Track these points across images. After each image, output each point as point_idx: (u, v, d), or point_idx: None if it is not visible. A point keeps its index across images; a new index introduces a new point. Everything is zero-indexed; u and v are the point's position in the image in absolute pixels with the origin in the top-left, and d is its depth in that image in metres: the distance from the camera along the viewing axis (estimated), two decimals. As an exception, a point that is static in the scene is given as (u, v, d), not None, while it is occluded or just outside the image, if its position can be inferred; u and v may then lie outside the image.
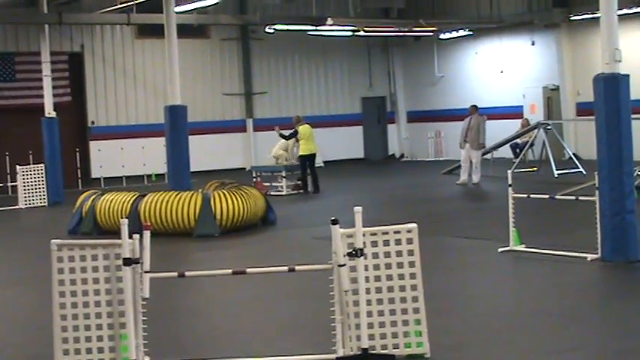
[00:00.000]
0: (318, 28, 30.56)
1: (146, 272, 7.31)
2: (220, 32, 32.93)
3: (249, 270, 7.97)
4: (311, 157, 23.34)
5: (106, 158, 29.54)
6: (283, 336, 8.71)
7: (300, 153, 23.49)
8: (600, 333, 8.38)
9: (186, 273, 7.93)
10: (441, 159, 33.70)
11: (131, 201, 16.44)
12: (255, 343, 8.42)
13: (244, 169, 31.47)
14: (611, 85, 11.51)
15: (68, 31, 29.57)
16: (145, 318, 7.44)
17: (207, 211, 15.94)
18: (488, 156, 28.05)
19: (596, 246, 11.65)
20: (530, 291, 10.48)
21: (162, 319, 9.18)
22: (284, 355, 7.68)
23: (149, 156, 28.87)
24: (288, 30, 30.70)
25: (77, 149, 28.88)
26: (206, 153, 30.33)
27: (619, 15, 11.93)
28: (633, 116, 11.73)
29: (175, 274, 7.82)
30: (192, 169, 20.02)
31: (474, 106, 24.49)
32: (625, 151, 11.49)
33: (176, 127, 19.25)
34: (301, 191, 23.30)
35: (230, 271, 7.93)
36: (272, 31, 30.62)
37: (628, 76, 11.59)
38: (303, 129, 23.44)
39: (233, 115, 33.50)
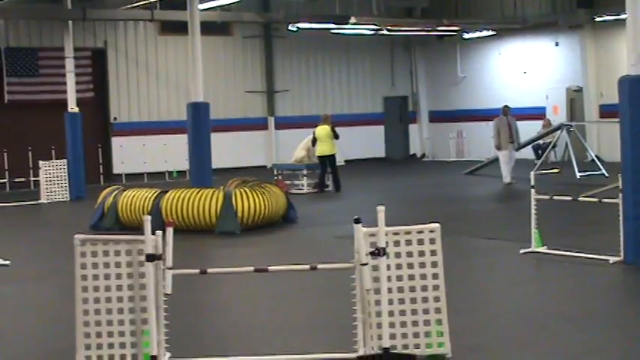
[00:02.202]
0: (341, 26, 30.55)
1: (168, 269, 7.32)
2: (243, 30, 32.97)
3: (270, 268, 7.98)
4: (326, 158, 23.18)
5: (128, 154, 29.65)
6: (304, 334, 8.72)
7: (317, 154, 23.47)
8: (621, 336, 8.33)
9: (208, 270, 7.95)
10: (463, 159, 33.62)
11: (153, 197, 16.49)
12: (275, 340, 8.43)
13: (265, 166, 31.50)
14: (637, 87, 11.45)
15: (92, 26, 29.67)
16: (166, 314, 7.46)
17: (229, 209, 15.95)
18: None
19: (619, 249, 11.59)
20: (551, 293, 10.44)
21: (184, 316, 9.20)
22: (304, 354, 7.68)
23: (171, 153, 28.94)
24: (310, 28, 30.69)
25: (99, 145, 29.02)
26: (228, 150, 30.38)
27: (645, 16, 11.86)
28: (658, 119, 11.66)
29: (197, 270, 7.84)
30: (214, 166, 20.06)
31: (508, 107, 24.40)
32: (649, 153, 11.43)
33: (198, 124, 19.30)
34: (316, 190, 23.21)
35: (252, 268, 7.93)
36: (295, 29, 30.61)
37: (653, 78, 11.53)
38: (318, 130, 23.35)
39: (255, 112, 33.54)
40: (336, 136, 23.20)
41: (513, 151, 23.87)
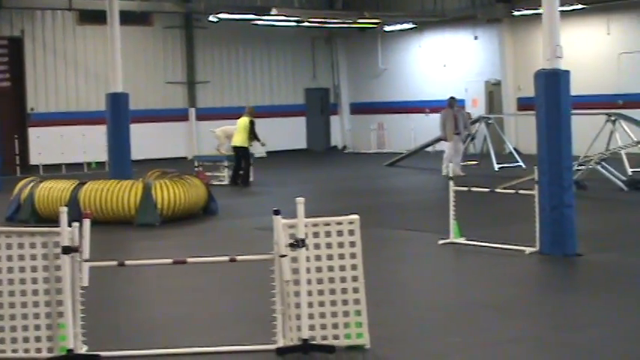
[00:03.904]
0: (263, 17, 30.51)
1: (85, 261, 7.24)
2: (164, 20, 32.68)
3: (189, 260, 7.94)
4: (239, 149, 23.00)
5: (46, 145, 29.16)
6: (223, 326, 8.68)
7: (232, 144, 23.31)
8: (538, 325, 8.48)
9: (126, 262, 7.88)
10: (384, 151, 33.82)
11: (71, 189, 16.25)
12: (194, 333, 8.38)
13: (186, 158, 31.29)
14: (552, 80, 11.64)
15: (8, 15, 29.13)
16: (83, 307, 7.37)
17: (148, 200, 15.83)
18: (430, 149, 28.28)
19: (535, 239, 11.78)
20: (468, 283, 10.58)
21: (102, 309, 9.09)
22: (224, 346, 7.66)
23: (90, 144, 28.51)
24: (232, 19, 30.59)
25: (16, 136, 28.49)
26: (148, 141, 30.08)
27: (560, 11, 12.07)
28: (573, 112, 11.87)
29: (115, 262, 7.77)
30: (134, 157, 19.87)
31: (454, 98, 24.44)
32: (564, 146, 11.63)
33: (117, 115, 19.11)
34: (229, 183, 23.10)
35: (170, 260, 7.89)
36: (216, 19, 30.47)
37: (568, 72, 11.73)
38: (239, 121, 23.15)
39: (175, 103, 33.30)
40: (253, 133, 22.94)
41: (459, 142, 23.96)
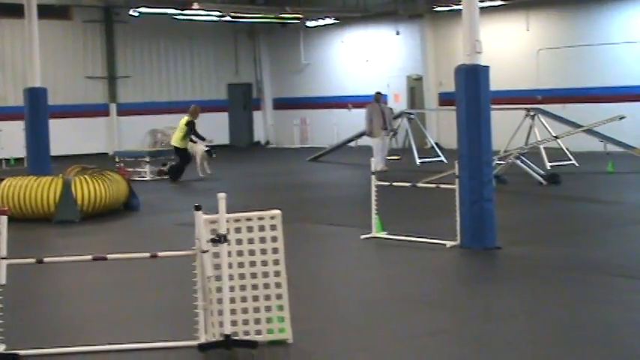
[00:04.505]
0: (184, 12, 30.30)
1: (2, 258, 7.11)
2: (83, 14, 32.27)
3: (110, 256, 7.84)
4: (175, 147, 22.90)
5: (-38, 141, 28.59)
6: (145, 323, 8.61)
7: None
8: (458, 318, 8.57)
9: (45, 259, 7.76)
10: (307, 146, 33.90)
11: (-12, 185, 15.96)
12: (115, 330, 8.29)
13: (107, 154, 30.94)
14: (472, 76, 11.77)
15: None
16: (1, 306, 7.25)
17: (68, 197, 15.61)
18: (352, 144, 28.40)
19: (456, 233, 11.91)
20: (390, 277, 10.64)
21: (20, 307, 8.94)
22: (146, 342, 7.59)
23: (8, 140, 28.03)
24: (152, 13, 30.30)
25: None
26: (67, 137, 29.70)
27: (480, 7, 12.21)
28: (493, 107, 12.02)
29: (33, 260, 7.65)
30: (53, 153, 19.61)
31: (380, 93, 24.47)
32: (484, 140, 11.77)
33: (36, 110, 18.82)
34: (165, 177, 23.00)
35: (90, 257, 7.79)
36: (136, 14, 30.18)
37: (488, 67, 11.87)
38: (181, 120, 23.05)
39: (96, 98, 32.89)
40: (190, 133, 22.65)
41: (386, 138, 24.03)
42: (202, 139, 23.04)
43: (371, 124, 23.58)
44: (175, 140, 22.81)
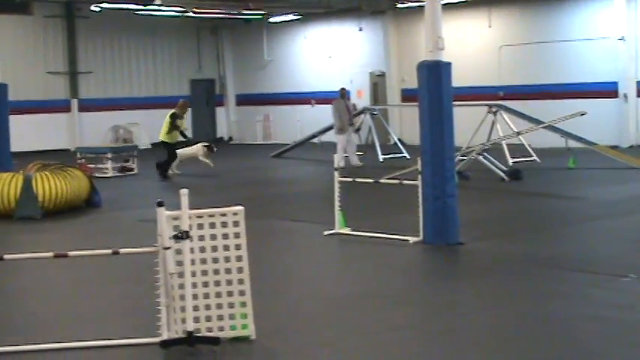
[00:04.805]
0: (146, 7, 30.12)
1: (-39, 256, 7.04)
2: (44, 9, 31.96)
3: (71, 253, 7.79)
4: (162, 143, 22.77)
5: None
6: (107, 320, 8.55)
7: None
8: (422, 313, 8.61)
9: (5, 256, 7.70)
10: (270, 142, 33.85)
11: (-53, 182, 15.78)
12: (77, 327, 8.23)
13: (69, 150, 30.71)
14: (434, 72, 11.81)
15: None
16: (-40, 303, 7.18)
17: (29, 193, 15.48)
18: (315, 140, 28.41)
19: (419, 229, 11.95)
20: (353, 273, 10.66)
21: (-21, 305, 8.87)
22: (107, 339, 7.54)
23: (-33, 135, 27.73)
24: (114, 8, 30.10)
25: None
26: (28, 133, 29.40)
27: (443, 4, 12.27)
28: (455, 103, 12.07)
29: (-7, 257, 7.57)
30: (14, 149, 19.40)
31: (345, 89, 24.44)
32: (446, 136, 11.81)
33: (-4, 106, 18.61)
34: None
35: (51, 254, 7.74)
36: (98, 9, 29.96)
37: (450, 63, 11.91)
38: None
39: (57, 94, 32.61)
40: (172, 127, 22.33)
41: (352, 133, 24.01)
42: (185, 137, 22.79)
43: (340, 120, 23.51)
44: (162, 134, 22.59)
